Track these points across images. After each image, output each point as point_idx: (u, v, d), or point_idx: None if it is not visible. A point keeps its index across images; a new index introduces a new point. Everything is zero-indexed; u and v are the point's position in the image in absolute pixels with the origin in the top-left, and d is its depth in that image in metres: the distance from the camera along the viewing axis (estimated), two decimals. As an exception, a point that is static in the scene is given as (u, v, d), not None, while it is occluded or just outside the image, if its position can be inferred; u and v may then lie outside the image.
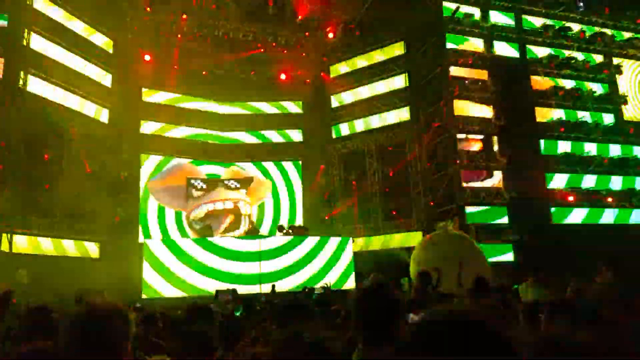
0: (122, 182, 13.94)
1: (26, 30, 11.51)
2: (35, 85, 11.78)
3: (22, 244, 10.98)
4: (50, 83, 12.09)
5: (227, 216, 15.75)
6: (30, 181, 10.97)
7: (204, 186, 15.73)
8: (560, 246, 11.70)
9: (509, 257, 13.11)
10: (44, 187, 11.45)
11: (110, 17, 13.55)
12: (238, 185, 16.14)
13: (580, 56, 15.30)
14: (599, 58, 15.78)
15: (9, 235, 10.65)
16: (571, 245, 11.77)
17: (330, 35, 15.78)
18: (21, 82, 11.31)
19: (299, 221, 16.28)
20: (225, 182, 16.07)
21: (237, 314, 5.76)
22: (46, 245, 11.56)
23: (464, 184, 13.40)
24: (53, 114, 11.96)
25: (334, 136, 16.69)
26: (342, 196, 16.05)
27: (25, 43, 11.49)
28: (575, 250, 10.86)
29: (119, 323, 1.48)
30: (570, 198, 14.21)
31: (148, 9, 13.86)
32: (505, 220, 13.52)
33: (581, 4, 15.60)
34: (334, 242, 13.25)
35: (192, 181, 15.66)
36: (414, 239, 13.74)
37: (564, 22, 15.34)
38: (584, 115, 14.97)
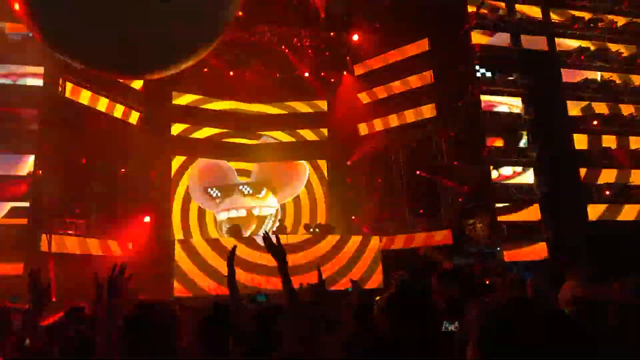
0: (152, 183, 14.32)
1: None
2: (71, 91, 12.23)
3: (60, 244, 11.40)
4: (84, 88, 12.52)
5: (250, 225, 15.83)
6: (67, 184, 11.38)
7: (219, 194, 15.82)
8: (597, 245, 11.34)
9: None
10: (80, 189, 11.87)
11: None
12: (251, 192, 16.18)
13: (612, 47, 14.81)
14: (632, 49, 15.24)
15: (48, 235, 11.08)
16: (609, 244, 11.36)
17: (355, 37, 15.69)
18: (60, 89, 11.76)
19: (325, 220, 16.32)
20: (240, 187, 16.11)
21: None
22: (82, 245, 11.96)
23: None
24: (87, 118, 12.39)
25: (359, 134, 16.64)
26: (368, 194, 15.99)
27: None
28: (613, 250, 10.48)
29: (168, 318, 1.62)
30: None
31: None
32: (537, 218, 13.23)
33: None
34: (357, 240, 13.28)
35: (209, 190, 15.77)
36: (441, 237, 13.64)
37: (593, 13, 14.88)
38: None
